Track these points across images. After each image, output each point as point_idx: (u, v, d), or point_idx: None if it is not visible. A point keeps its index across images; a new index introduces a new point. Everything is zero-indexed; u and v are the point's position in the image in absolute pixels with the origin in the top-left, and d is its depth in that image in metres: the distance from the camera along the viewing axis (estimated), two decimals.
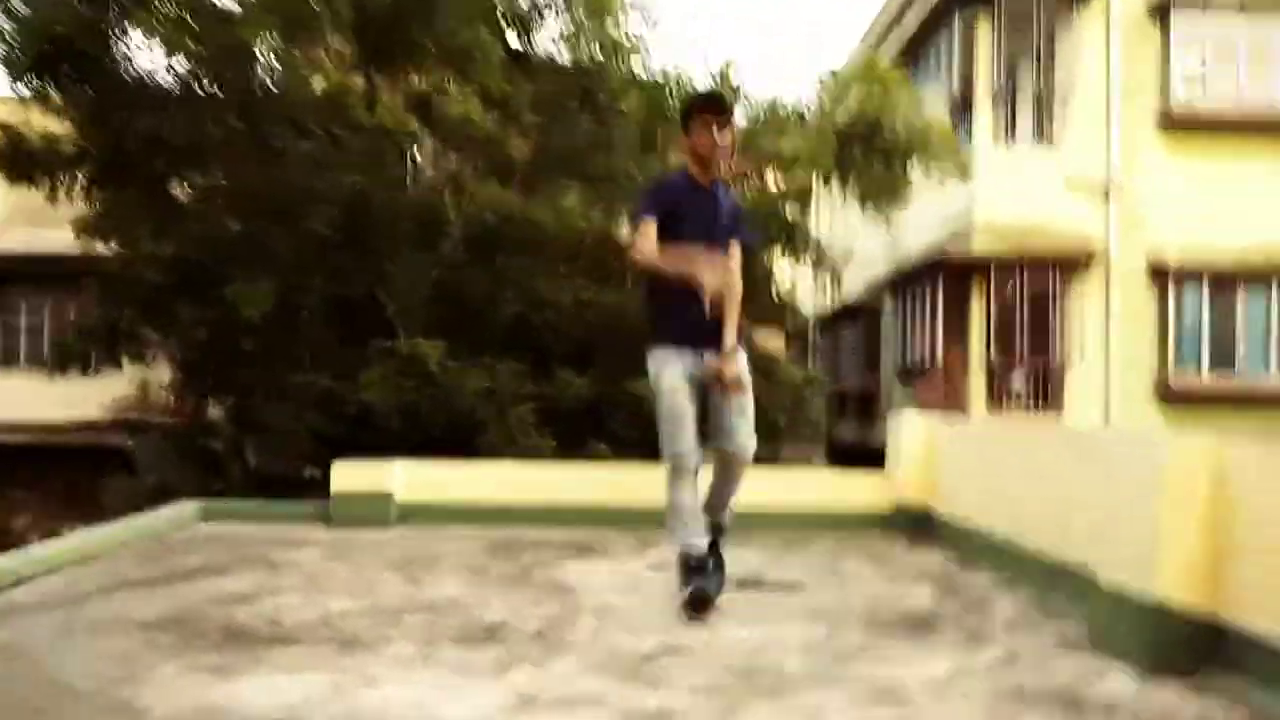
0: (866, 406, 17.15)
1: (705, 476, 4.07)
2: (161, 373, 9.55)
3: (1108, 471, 3.34)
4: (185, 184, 7.98)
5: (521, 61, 9.75)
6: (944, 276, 13.10)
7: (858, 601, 4.04)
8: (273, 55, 7.06)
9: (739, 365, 3.85)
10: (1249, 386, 12.49)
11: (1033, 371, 13.00)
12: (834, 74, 10.93)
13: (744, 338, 4.07)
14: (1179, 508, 2.95)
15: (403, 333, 7.63)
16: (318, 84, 7.93)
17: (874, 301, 16.65)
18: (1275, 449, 2.84)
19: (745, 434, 3.92)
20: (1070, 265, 12.91)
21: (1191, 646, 2.93)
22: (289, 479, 8.89)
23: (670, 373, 3.85)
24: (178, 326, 7.92)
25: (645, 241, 3.84)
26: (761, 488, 5.83)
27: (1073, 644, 3.35)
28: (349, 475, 5.84)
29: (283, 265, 7.63)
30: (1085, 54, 13.07)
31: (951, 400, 13.21)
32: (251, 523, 5.85)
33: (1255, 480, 2.82)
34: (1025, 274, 12.76)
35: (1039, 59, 13.15)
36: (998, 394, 13.09)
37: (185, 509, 5.83)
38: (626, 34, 8.86)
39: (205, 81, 7.19)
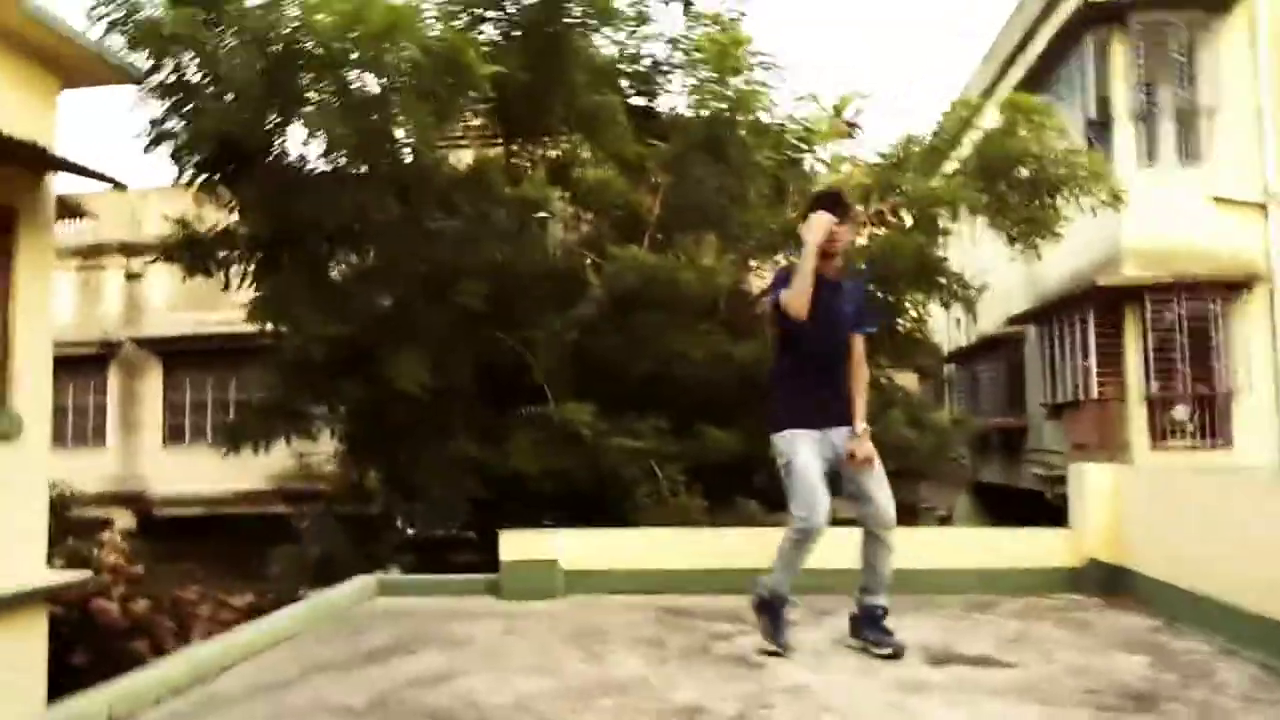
0: (1011, 444, 16.50)
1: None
2: (321, 444, 9.94)
3: None
4: (343, 265, 8.38)
5: (649, 120, 9.89)
6: (1094, 305, 12.55)
7: (1065, 675, 3.80)
8: (419, 137, 7.32)
9: (868, 446, 4.17)
10: None
11: (1196, 403, 12.27)
12: (961, 102, 10.69)
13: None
14: None
15: (550, 397, 7.74)
16: (460, 160, 8.23)
17: (1014, 334, 16.06)
18: None
19: (885, 498, 4.18)
20: (1230, 288, 12.21)
21: None
22: (446, 542, 9.10)
23: (803, 451, 4.13)
24: (341, 401, 8.27)
25: (795, 297, 4.10)
26: (941, 548, 5.70)
27: None
28: (516, 545, 5.89)
29: (434, 338, 7.87)
30: (1230, 66, 12.45)
31: (1108, 436, 12.56)
32: (425, 596, 5.96)
33: None
34: (1182, 300, 12.10)
35: (1180, 75, 12.58)
36: (1159, 428, 12.40)
37: (363, 585, 5.98)
38: (752, 85, 8.82)
39: (361, 166, 7.54)
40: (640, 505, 7.70)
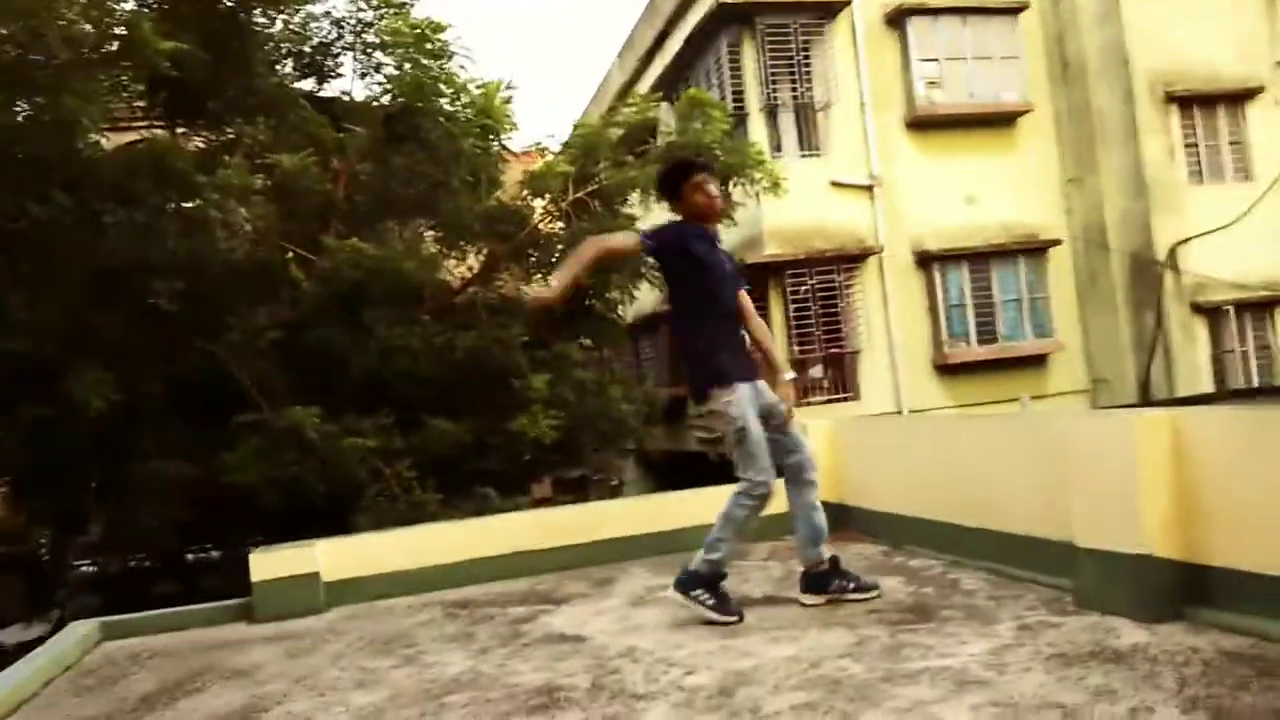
0: (673, 412, 17.80)
1: None
2: None
3: (1072, 448, 3.85)
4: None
5: (328, 104, 9.45)
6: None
7: (846, 601, 4.36)
8: (87, 118, 6.40)
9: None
10: (1010, 352, 14.23)
11: (830, 362, 14.12)
12: (639, 97, 11.40)
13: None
14: (1152, 470, 3.49)
15: (265, 404, 7.21)
16: (132, 145, 7.33)
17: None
18: (1217, 411, 3.44)
19: (810, 445, 4.40)
20: (849, 260, 14.13)
21: (1175, 591, 3.48)
22: (135, 575, 8.14)
23: (750, 411, 4.17)
24: (3, 430, 7.06)
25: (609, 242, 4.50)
26: (691, 508, 6.16)
27: (1063, 606, 3.84)
28: (269, 563, 5.50)
29: (116, 347, 6.99)
30: (838, 65, 14.34)
31: None
32: (163, 634, 5.36)
33: (1210, 438, 3.40)
34: (814, 273, 13.82)
35: (798, 73, 14.25)
36: (802, 385, 14.11)
37: (84, 630, 5.25)
38: (447, 72, 8.75)
39: (14, 153, 6.44)
40: (370, 506, 7.44)
